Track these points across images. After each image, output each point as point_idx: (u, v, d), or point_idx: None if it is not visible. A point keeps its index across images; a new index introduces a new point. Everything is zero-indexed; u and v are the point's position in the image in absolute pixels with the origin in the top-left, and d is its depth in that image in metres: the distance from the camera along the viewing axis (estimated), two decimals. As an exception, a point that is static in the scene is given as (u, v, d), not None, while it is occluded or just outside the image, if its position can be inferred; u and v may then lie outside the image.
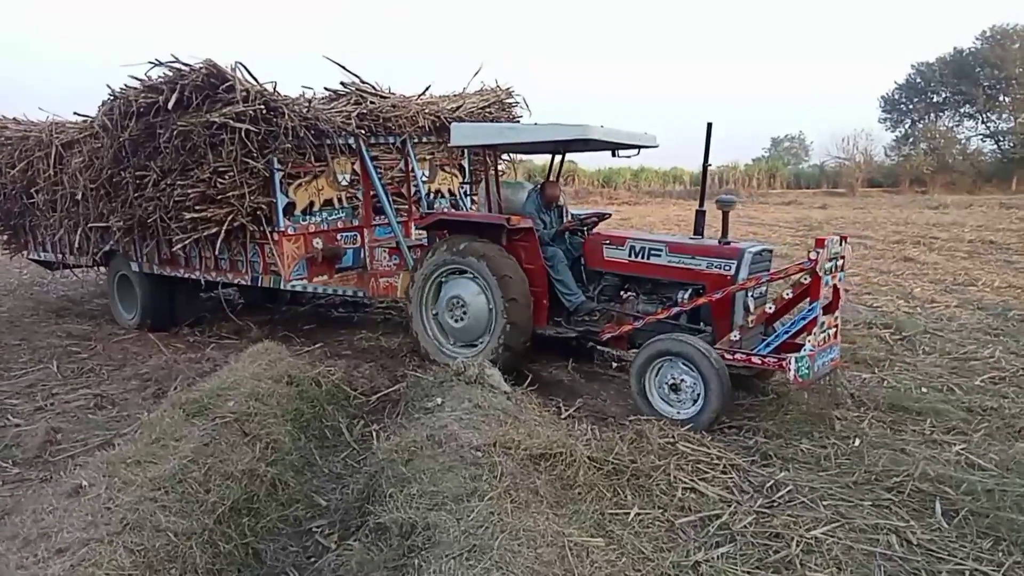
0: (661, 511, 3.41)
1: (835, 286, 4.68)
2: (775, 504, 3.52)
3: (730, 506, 3.48)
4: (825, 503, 3.50)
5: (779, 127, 77.41)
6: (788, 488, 3.64)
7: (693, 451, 4.03)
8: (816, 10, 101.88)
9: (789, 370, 4.33)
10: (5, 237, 9.35)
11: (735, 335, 4.74)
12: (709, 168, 5.45)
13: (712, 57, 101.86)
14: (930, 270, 10.57)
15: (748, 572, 2.94)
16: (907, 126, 40.82)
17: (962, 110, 39.18)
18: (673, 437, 4.15)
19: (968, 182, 33.46)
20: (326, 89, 7.01)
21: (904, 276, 10.05)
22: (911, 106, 40.86)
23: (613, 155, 5.90)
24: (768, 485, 3.71)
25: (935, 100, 39.98)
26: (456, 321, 5.69)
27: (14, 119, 8.68)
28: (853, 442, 4.19)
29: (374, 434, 4.48)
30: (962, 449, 4.09)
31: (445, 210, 7.46)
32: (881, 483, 3.68)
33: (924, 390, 5.18)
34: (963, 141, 38.47)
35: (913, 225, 17.31)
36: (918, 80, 40.24)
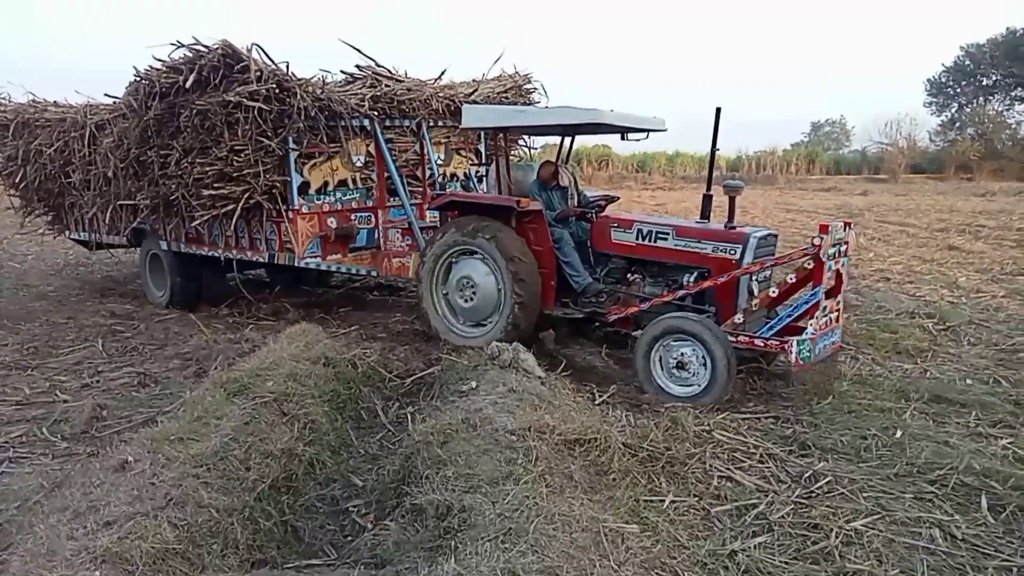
0: (696, 499, 3.39)
1: (838, 271, 4.74)
2: (813, 494, 3.46)
3: (767, 495, 3.44)
4: (865, 495, 3.43)
5: (819, 111, 75.58)
6: (827, 479, 3.58)
7: (729, 439, 3.99)
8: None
9: (791, 352, 4.44)
10: (49, 218, 9.61)
11: (739, 318, 4.81)
12: (717, 152, 5.48)
13: (748, 37, 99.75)
14: (976, 259, 10.27)
15: (786, 562, 2.90)
16: (954, 110, 39.57)
17: (1013, 93, 37.82)
18: (708, 425, 4.11)
19: (1018, 169, 32.20)
20: (342, 72, 7.05)
21: (948, 265, 9.77)
22: (959, 89, 39.56)
23: (623, 139, 5.97)
24: (806, 475, 3.65)
25: (984, 83, 38.64)
26: (466, 301, 5.75)
27: (54, 102, 8.88)
28: (894, 433, 4.09)
29: (409, 416, 4.52)
30: (1009, 443, 3.98)
31: (456, 191, 7.48)
32: (924, 476, 3.60)
33: (969, 382, 5.05)
34: (1014, 126, 37.14)
35: (958, 213, 16.81)
36: (967, 62, 38.90)
